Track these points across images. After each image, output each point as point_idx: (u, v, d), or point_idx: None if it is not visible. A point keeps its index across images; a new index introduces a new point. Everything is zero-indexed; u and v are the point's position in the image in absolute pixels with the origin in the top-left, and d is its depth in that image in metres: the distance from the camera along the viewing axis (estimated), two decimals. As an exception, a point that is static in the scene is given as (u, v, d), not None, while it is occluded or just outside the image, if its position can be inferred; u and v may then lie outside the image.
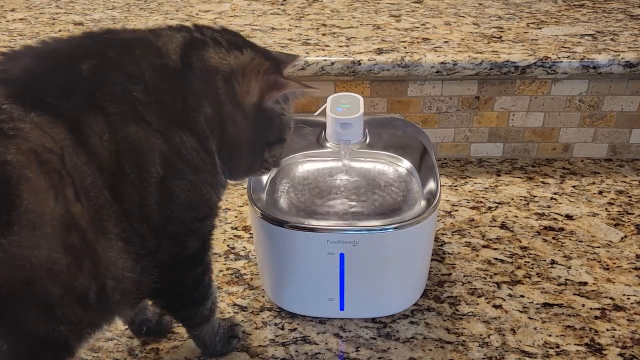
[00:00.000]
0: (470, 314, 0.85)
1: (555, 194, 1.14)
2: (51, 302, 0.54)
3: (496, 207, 1.10)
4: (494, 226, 1.04)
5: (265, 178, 0.85)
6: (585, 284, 0.91)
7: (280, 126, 0.69)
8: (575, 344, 0.80)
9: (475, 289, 0.90)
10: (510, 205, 1.10)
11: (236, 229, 1.04)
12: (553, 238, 1.01)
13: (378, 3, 1.49)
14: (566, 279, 0.92)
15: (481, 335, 0.82)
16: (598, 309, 0.86)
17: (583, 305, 0.87)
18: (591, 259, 0.96)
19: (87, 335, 0.60)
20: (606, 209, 1.09)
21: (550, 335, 0.81)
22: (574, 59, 1.13)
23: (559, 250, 0.98)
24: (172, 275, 0.66)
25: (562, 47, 1.17)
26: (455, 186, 1.17)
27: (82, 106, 0.56)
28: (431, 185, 0.83)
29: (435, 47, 1.18)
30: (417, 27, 1.31)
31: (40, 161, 0.52)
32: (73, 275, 0.54)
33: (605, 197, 1.13)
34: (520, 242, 1.00)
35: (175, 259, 0.65)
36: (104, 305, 0.58)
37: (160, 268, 0.63)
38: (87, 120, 0.55)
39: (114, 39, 0.62)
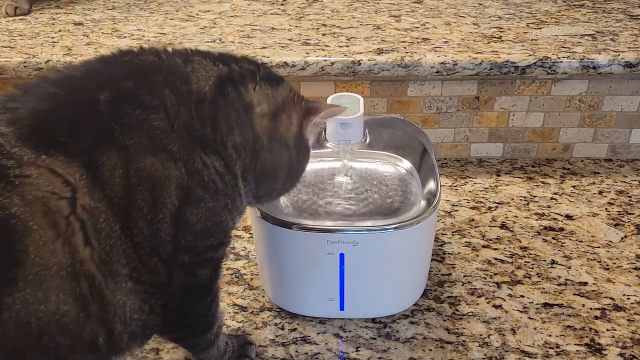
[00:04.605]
0: (470, 314, 0.85)
1: (555, 194, 1.14)
2: (61, 353, 0.51)
3: (496, 207, 1.10)
4: (494, 226, 1.04)
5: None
6: (585, 284, 0.91)
7: (308, 150, 0.72)
8: (575, 344, 0.80)
9: (475, 289, 0.90)
10: (510, 206, 1.10)
11: (236, 229, 1.03)
12: (553, 238, 1.01)
13: (378, 3, 1.49)
14: (566, 279, 0.92)
15: (481, 335, 0.82)
16: (598, 309, 0.86)
17: (583, 306, 0.87)
18: (591, 259, 0.96)
19: None
20: (606, 209, 1.09)
21: (550, 336, 0.81)
22: (573, 59, 1.13)
23: (559, 251, 0.98)
24: (183, 307, 0.64)
25: (562, 47, 1.17)
26: (455, 186, 1.17)
27: (97, 142, 0.53)
28: (431, 185, 0.83)
29: (435, 47, 1.18)
30: (417, 27, 1.31)
31: (46, 210, 0.49)
32: (82, 325, 0.52)
33: (605, 197, 1.13)
34: (520, 242, 1.00)
35: (186, 290, 0.62)
36: (114, 349, 0.56)
37: (169, 305, 0.61)
38: (101, 156, 0.53)
39: (130, 65, 0.60)
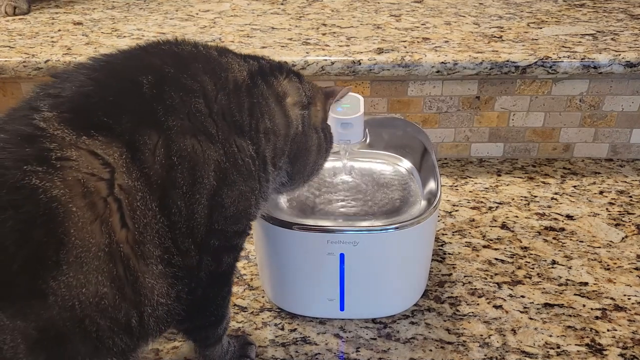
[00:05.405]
0: (471, 314, 0.85)
1: (555, 194, 1.14)
2: (101, 336, 0.52)
3: (497, 207, 1.10)
4: (495, 226, 1.04)
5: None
6: (586, 284, 0.90)
7: (331, 132, 0.77)
8: (575, 345, 0.80)
9: (475, 289, 0.90)
10: (510, 206, 1.10)
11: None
12: (554, 238, 1.01)
13: (378, 3, 1.49)
14: (567, 279, 0.91)
15: (482, 335, 0.81)
16: (599, 309, 0.86)
17: (584, 306, 0.86)
18: (592, 259, 0.96)
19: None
20: (607, 209, 1.09)
21: (550, 336, 0.81)
22: (574, 58, 1.13)
23: (560, 251, 0.98)
24: (208, 293, 0.65)
25: (563, 46, 1.17)
26: (455, 186, 1.17)
27: (140, 122, 0.55)
28: (431, 185, 0.83)
29: (436, 46, 1.18)
30: (418, 27, 1.31)
31: (85, 192, 0.50)
32: (118, 307, 0.52)
33: (606, 197, 1.13)
34: (521, 242, 1.00)
35: (212, 276, 0.64)
36: (143, 332, 0.57)
37: (196, 291, 0.62)
38: (143, 136, 0.54)
39: (170, 53, 0.62)
